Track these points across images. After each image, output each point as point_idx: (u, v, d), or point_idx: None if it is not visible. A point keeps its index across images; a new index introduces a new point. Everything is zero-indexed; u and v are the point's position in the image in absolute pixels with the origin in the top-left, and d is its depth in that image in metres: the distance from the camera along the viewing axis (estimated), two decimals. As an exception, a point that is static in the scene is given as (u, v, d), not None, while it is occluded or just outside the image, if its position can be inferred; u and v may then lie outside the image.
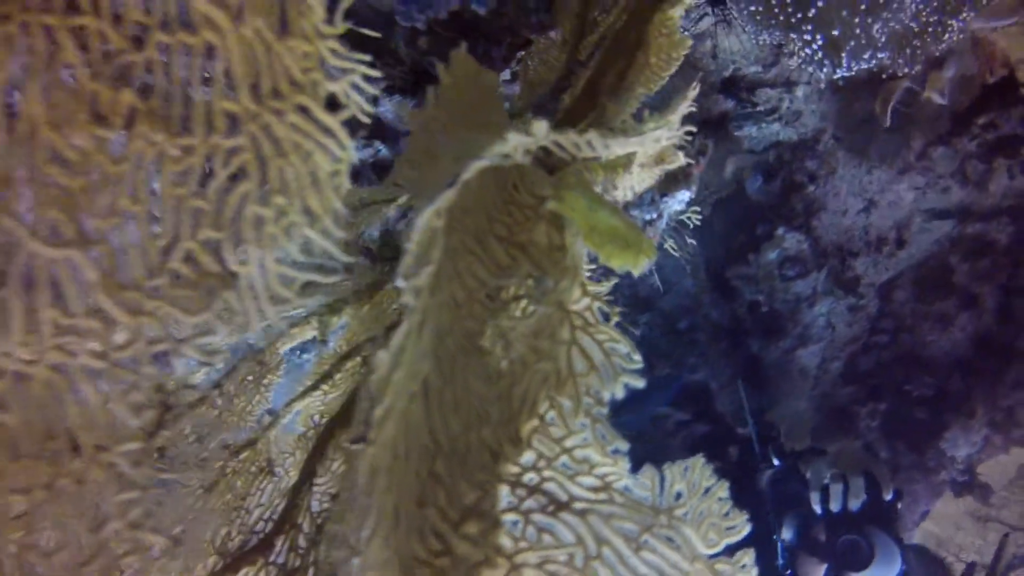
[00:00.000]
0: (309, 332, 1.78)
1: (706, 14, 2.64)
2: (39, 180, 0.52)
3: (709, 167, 3.05)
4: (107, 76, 0.54)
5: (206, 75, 0.59)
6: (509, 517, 0.80)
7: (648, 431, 3.55)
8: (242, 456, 1.56)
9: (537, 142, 0.87)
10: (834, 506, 2.69)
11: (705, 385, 3.52)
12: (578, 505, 0.81)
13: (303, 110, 0.63)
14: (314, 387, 1.64)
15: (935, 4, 1.91)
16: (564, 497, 0.81)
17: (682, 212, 1.63)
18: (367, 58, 0.70)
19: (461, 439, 0.80)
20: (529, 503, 0.81)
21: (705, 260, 3.44)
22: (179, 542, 0.65)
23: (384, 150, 2.28)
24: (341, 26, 0.68)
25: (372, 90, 0.69)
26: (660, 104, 1.66)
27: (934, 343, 3.52)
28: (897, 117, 2.99)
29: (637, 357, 0.89)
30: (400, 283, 0.73)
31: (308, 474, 1.48)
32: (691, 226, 1.96)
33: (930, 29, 1.99)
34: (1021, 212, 3.29)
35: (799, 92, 3.02)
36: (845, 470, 2.76)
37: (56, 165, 0.53)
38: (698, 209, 1.78)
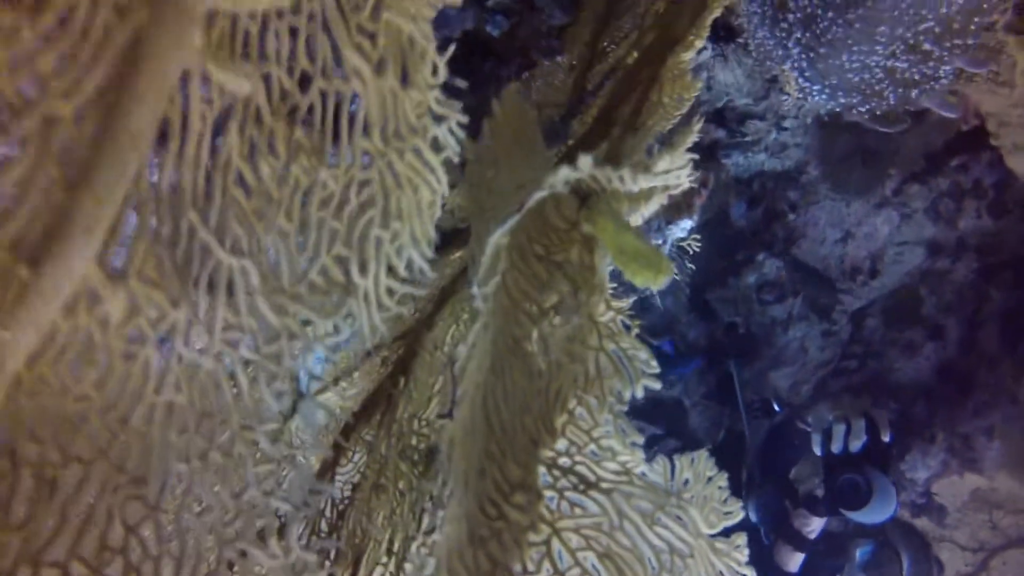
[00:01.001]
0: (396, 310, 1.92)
1: (705, 48, 2.82)
2: (228, 202, 0.67)
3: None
4: (282, 114, 0.70)
5: (351, 117, 0.75)
6: (548, 493, 0.97)
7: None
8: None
9: (582, 175, 1.04)
10: (836, 447, 2.74)
11: (679, 401, 3.70)
12: (604, 485, 0.97)
13: (416, 151, 0.79)
14: (335, 383, 1.79)
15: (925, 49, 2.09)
16: (592, 478, 0.98)
17: (683, 239, 1.79)
18: (459, 105, 0.87)
19: (509, 425, 0.97)
20: (563, 482, 0.98)
21: (685, 281, 3.63)
22: (299, 507, 0.80)
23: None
24: (442, 77, 0.85)
25: (463, 136, 0.86)
26: (664, 136, 1.85)
27: (900, 370, 3.73)
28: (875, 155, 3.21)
29: (654, 363, 1.06)
30: (474, 290, 0.89)
31: (330, 464, 1.63)
32: (691, 252, 2.13)
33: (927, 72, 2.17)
34: (986, 250, 3.52)
35: (787, 125, 3.22)
36: (847, 413, 2.83)
37: (240, 188, 0.69)
38: (698, 236, 1.95)
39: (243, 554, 0.75)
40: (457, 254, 1.83)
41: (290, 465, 0.82)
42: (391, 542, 1.30)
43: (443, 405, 1.33)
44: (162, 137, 0.63)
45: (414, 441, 1.39)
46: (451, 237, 1.91)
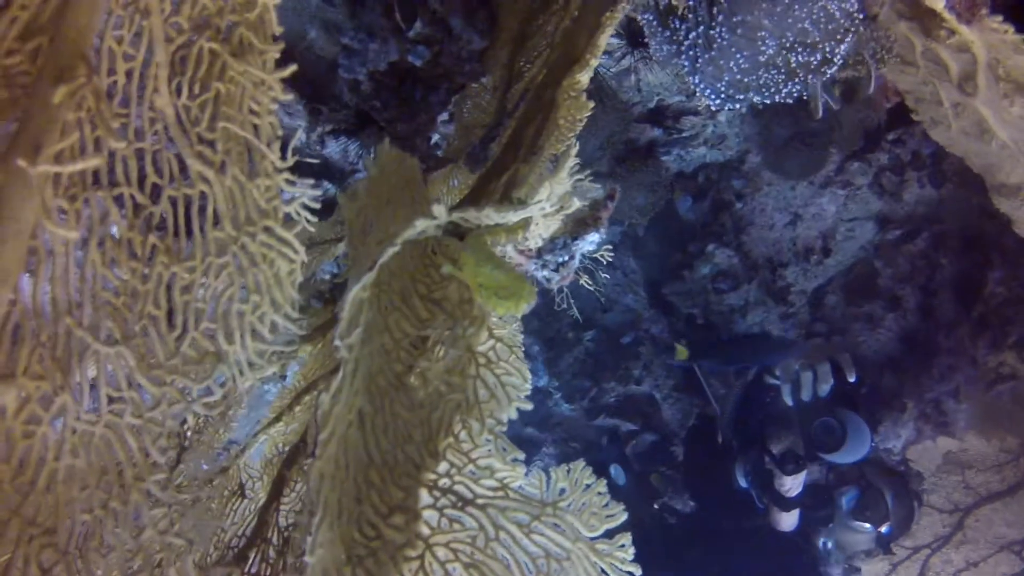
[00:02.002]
0: (269, 369, 2.05)
1: (627, 53, 2.95)
2: (99, 303, 0.81)
3: (640, 191, 3.36)
4: (138, 228, 0.83)
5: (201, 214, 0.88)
6: (428, 513, 1.09)
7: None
8: (215, 482, 1.83)
9: (440, 222, 1.17)
10: (805, 395, 2.88)
11: (650, 396, 3.83)
12: (480, 501, 1.10)
13: (268, 231, 0.92)
14: (277, 419, 1.91)
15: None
16: (469, 495, 1.10)
17: (594, 252, 1.91)
18: (310, 182, 1.00)
19: (390, 454, 1.09)
20: (443, 501, 1.11)
21: (644, 278, 3.75)
22: (192, 541, 0.93)
23: (332, 188, 2.52)
24: (290, 160, 0.98)
25: (316, 206, 0.99)
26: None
27: (864, 343, 3.85)
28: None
29: (527, 386, 1.19)
30: (337, 343, 1.02)
31: (275, 495, 1.76)
32: (604, 263, 2.25)
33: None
34: (933, 218, 3.65)
35: (721, 117, 3.35)
36: (812, 361, 2.98)
37: (108, 291, 0.82)
38: (610, 247, 2.07)
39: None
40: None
41: (183, 507, 0.95)
42: None
43: (308, 449, 1.46)
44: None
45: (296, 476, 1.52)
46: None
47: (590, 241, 1.95)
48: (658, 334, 3.79)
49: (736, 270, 3.62)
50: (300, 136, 0.93)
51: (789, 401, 2.93)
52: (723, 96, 2.11)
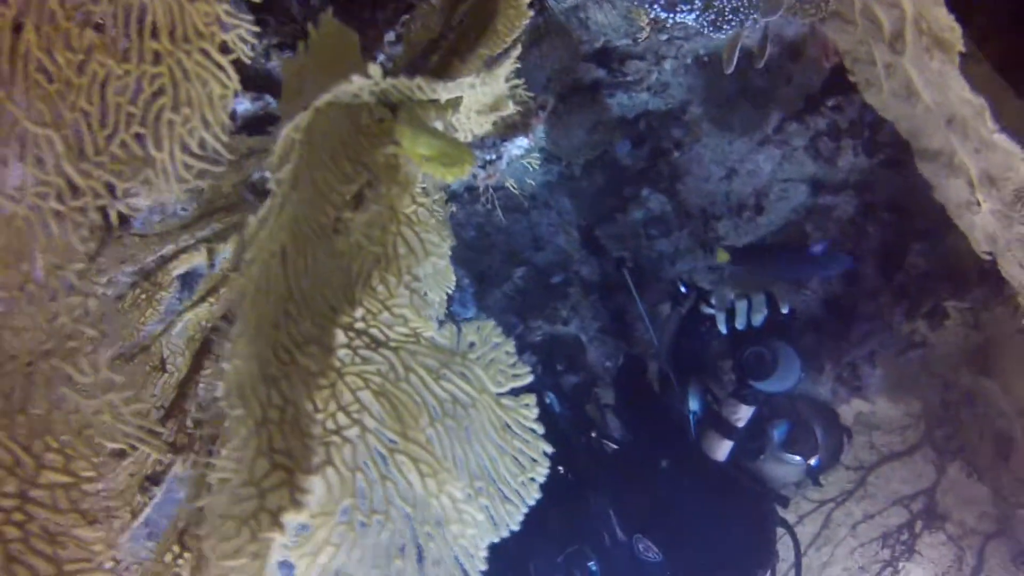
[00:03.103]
0: (198, 258, 2.10)
1: (577, -11, 3.02)
2: (31, 82, 0.85)
3: (581, 130, 3.44)
4: (76, 20, 0.88)
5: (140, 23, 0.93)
6: (342, 352, 1.17)
7: None
8: (136, 359, 1.88)
9: (375, 83, 1.24)
10: (739, 323, 2.91)
11: (576, 337, 3.94)
12: (392, 344, 1.18)
13: (204, 52, 0.98)
14: (201, 299, 1.96)
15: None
16: (383, 338, 1.18)
17: (521, 156, 1.99)
18: (250, 18, 1.06)
19: (309, 293, 1.16)
20: (357, 342, 1.18)
21: (577, 219, 3.85)
22: (105, 335, 0.98)
23: (274, 103, 2.55)
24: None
25: (254, 41, 1.05)
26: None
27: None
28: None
29: (445, 245, 1.27)
30: (267, 174, 1.08)
31: (196, 368, 1.82)
32: (531, 169, 2.35)
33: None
34: (865, 187, 3.81)
35: (667, 65, 3.44)
36: (747, 291, 2.97)
37: (42, 74, 0.87)
38: (537, 156, 2.16)
39: (55, 369, 0.94)
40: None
41: (96, 299, 1.01)
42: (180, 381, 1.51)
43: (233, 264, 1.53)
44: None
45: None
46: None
47: (518, 145, 2.03)
48: (587, 276, 3.90)
49: (669, 217, 3.74)
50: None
51: (723, 329, 2.98)
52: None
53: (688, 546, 3.00)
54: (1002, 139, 2.23)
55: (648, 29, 2.41)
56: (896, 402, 3.85)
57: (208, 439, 1.70)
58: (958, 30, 2.04)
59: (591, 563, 3.22)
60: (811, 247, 3.41)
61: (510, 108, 1.68)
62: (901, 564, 3.77)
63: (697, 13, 2.00)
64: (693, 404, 3.09)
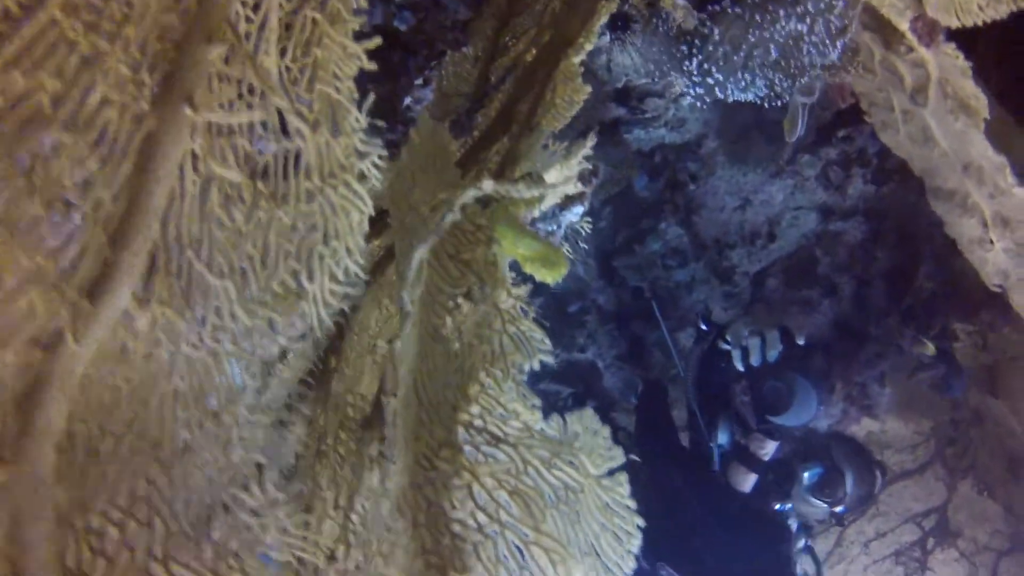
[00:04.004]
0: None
1: (604, 33, 3.14)
2: (213, 240, 0.97)
3: (602, 166, 3.56)
4: (246, 173, 0.99)
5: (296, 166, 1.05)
6: (467, 448, 1.29)
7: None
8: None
9: (485, 192, 1.36)
10: (754, 360, 2.96)
11: (593, 364, 4.07)
12: (511, 439, 1.30)
13: (347, 184, 1.09)
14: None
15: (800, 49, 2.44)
16: (501, 434, 1.30)
17: (576, 222, 2.11)
18: (379, 142, 1.17)
19: (434, 398, 1.28)
20: (478, 439, 1.30)
21: (595, 250, 3.97)
22: (270, 459, 1.10)
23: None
24: (365, 120, 1.15)
25: (383, 165, 1.16)
26: (556, 134, 2.16)
27: (800, 326, 4.14)
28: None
29: (547, 342, 1.39)
30: (405, 297, 1.20)
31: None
32: (583, 233, 2.46)
33: (794, 70, 2.53)
34: (873, 213, 3.95)
35: (683, 102, 3.57)
36: (761, 327, 3.04)
37: (220, 229, 0.98)
38: (589, 219, 2.28)
39: (233, 497, 1.05)
40: (375, 242, 2.12)
41: (263, 430, 1.13)
42: (336, 499, 1.61)
43: (385, 384, 1.64)
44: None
45: (350, 412, 1.69)
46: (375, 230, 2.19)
47: (574, 212, 2.15)
48: (604, 304, 4.03)
49: (685, 248, 3.88)
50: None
51: (740, 367, 3.02)
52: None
53: (711, 572, 3.08)
54: (1021, 192, 2.38)
55: (681, 88, 2.53)
56: (906, 421, 4.00)
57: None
58: (984, 99, 2.19)
59: None
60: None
61: (577, 189, 1.80)
62: (915, 580, 3.92)
63: (755, 91, 2.13)
64: (722, 438, 3.14)
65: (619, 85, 3.42)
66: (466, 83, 3.02)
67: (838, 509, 3.03)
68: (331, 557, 1.63)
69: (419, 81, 2.95)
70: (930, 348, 3.73)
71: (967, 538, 3.88)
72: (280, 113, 1.06)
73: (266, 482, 1.11)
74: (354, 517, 1.60)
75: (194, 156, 0.95)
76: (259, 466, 1.13)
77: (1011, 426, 3.69)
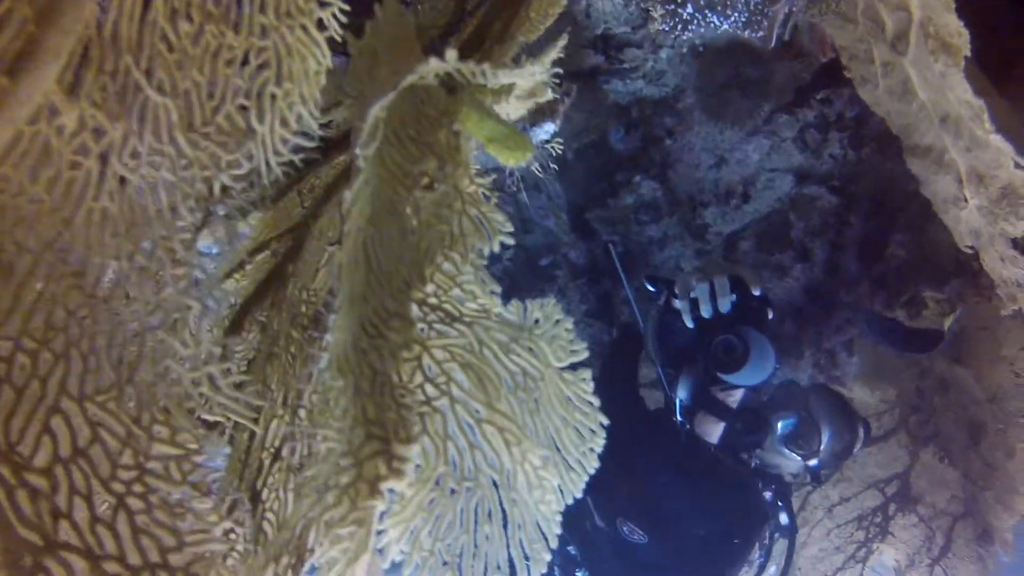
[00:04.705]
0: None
1: (584, -23, 3.07)
2: (155, 51, 0.89)
3: (579, 115, 3.50)
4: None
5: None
6: (418, 325, 1.22)
7: None
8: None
9: (448, 67, 1.28)
10: (704, 311, 2.68)
11: (564, 319, 4.00)
12: (466, 319, 1.23)
13: (304, 27, 1.02)
14: (227, 275, 1.99)
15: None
16: (456, 313, 1.23)
17: (547, 141, 2.04)
18: (342, -4, 1.10)
19: (386, 268, 1.21)
20: (432, 316, 1.23)
21: (567, 203, 3.91)
22: (207, 307, 1.03)
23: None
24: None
25: (342, 18, 1.09)
26: (535, 50, 2.09)
27: (772, 290, 4.11)
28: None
29: (509, 225, 1.32)
30: (357, 151, 1.13)
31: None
32: (555, 154, 2.39)
33: None
34: (849, 178, 3.92)
35: (663, 55, 3.51)
36: (710, 276, 2.75)
37: (164, 43, 0.90)
38: (561, 140, 2.21)
39: (162, 341, 0.97)
40: (341, 158, 2.04)
41: (199, 271, 1.05)
42: (285, 397, 1.54)
43: (333, 235, 1.57)
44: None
45: (303, 309, 1.62)
46: (337, 143, 2.12)
47: (545, 130, 2.09)
48: (575, 259, 3.97)
49: (659, 203, 3.81)
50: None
51: (689, 322, 2.78)
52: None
53: (674, 526, 3.00)
54: (997, 139, 2.33)
55: (659, 23, 2.46)
56: (873, 389, 3.99)
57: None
58: (966, 35, 2.13)
59: (569, 547, 3.21)
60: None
61: (548, 95, 1.73)
62: (875, 545, 3.92)
63: (734, 18, 2.07)
64: (683, 392, 2.97)
65: (598, 32, 3.35)
66: (442, 16, 2.93)
67: (812, 463, 2.88)
68: (276, 455, 1.56)
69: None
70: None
71: (927, 503, 3.88)
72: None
73: (201, 331, 1.03)
74: (301, 413, 1.54)
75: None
76: (194, 312, 1.05)
77: (975, 394, 3.69)
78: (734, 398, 2.83)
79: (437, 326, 1.22)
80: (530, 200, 3.86)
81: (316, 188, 2.09)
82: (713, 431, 2.86)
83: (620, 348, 3.75)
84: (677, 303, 2.84)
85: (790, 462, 2.91)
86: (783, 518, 3.00)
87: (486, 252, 1.29)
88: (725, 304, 2.68)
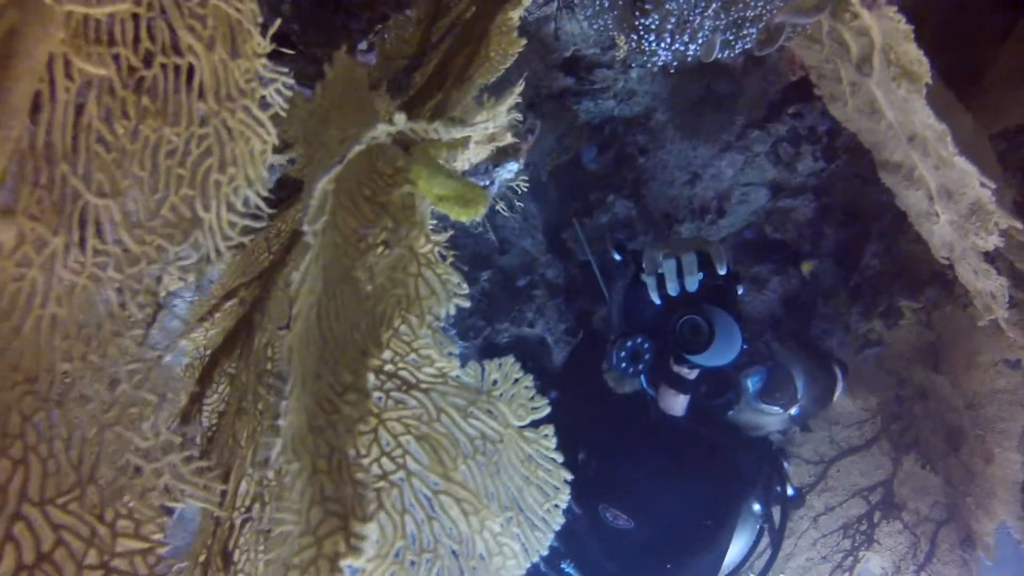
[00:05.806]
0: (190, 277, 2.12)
1: (552, 0, 3.08)
2: (92, 153, 0.89)
3: (550, 137, 3.51)
4: (131, 87, 0.91)
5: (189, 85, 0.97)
6: (376, 394, 1.22)
7: None
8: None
9: (398, 129, 1.29)
10: (671, 288, 2.61)
11: (542, 339, 4.01)
12: (423, 386, 1.23)
13: (246, 109, 1.02)
14: (197, 325, 1.99)
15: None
16: (413, 380, 1.23)
17: (512, 180, 2.05)
18: (286, 70, 1.10)
19: (341, 339, 1.21)
20: (388, 385, 1.23)
21: (543, 223, 3.91)
22: (164, 398, 1.02)
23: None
24: (269, 47, 1.07)
25: (289, 94, 1.09)
26: (497, 87, 2.10)
27: (750, 303, 4.13)
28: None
29: (465, 287, 1.32)
30: (305, 228, 1.13)
31: (197, 396, 1.84)
32: (520, 192, 2.39)
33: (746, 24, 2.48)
34: (822, 190, 3.94)
35: (633, 74, 3.52)
36: (677, 252, 2.65)
37: (101, 145, 0.90)
38: (526, 178, 2.21)
39: (119, 436, 0.97)
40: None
41: (155, 365, 1.05)
42: (254, 455, 1.54)
43: (279, 322, 1.57)
44: (36, 108, 0.84)
45: (269, 366, 1.62)
46: (298, 188, 2.12)
47: (509, 169, 2.09)
48: (553, 278, 3.97)
49: (634, 221, 3.83)
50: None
51: (656, 299, 2.68)
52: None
53: (656, 506, 2.89)
54: (961, 161, 2.35)
55: (625, 49, 2.47)
56: (854, 398, 4.01)
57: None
58: (926, 64, 2.15)
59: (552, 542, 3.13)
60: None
61: (508, 139, 1.74)
62: (861, 553, 3.93)
63: (696, 45, 2.08)
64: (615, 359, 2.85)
65: (567, 54, 3.37)
66: (408, 46, 2.94)
67: (793, 411, 2.78)
68: (247, 516, 1.56)
69: (363, 46, 2.87)
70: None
71: (910, 510, 3.90)
72: (172, 29, 0.99)
73: (159, 423, 1.03)
74: (270, 473, 1.54)
75: (66, 61, 0.87)
76: (151, 406, 1.05)
77: (952, 401, 3.71)
78: (688, 371, 2.73)
79: (394, 394, 1.22)
80: (505, 221, 3.86)
81: (283, 233, 2.09)
82: (675, 404, 2.77)
83: (588, 333, 3.72)
84: (644, 277, 2.76)
85: (771, 417, 2.83)
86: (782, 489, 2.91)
87: (442, 315, 1.30)
88: (692, 283, 2.61)
